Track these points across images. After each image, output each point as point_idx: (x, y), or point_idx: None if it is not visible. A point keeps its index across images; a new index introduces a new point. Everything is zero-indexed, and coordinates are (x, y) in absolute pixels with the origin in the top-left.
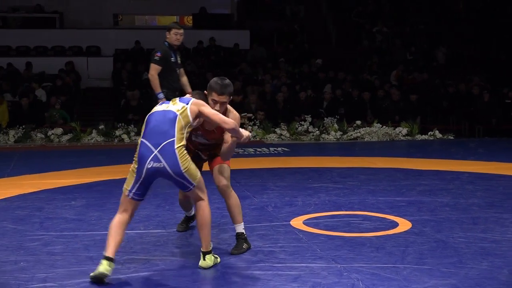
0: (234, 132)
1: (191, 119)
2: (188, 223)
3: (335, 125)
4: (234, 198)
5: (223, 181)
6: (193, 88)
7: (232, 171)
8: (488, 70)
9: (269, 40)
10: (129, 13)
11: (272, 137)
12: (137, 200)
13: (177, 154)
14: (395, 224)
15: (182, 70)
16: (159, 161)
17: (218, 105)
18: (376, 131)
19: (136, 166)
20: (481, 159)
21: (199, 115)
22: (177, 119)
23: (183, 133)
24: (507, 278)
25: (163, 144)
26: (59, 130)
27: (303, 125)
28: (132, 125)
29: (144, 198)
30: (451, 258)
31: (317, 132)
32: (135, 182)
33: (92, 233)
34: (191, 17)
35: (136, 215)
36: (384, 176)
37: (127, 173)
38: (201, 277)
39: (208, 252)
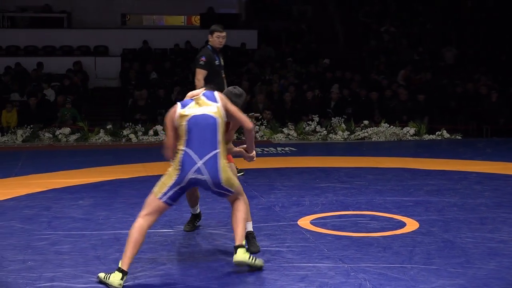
0: (250, 133)
1: (225, 117)
2: (195, 222)
3: (343, 125)
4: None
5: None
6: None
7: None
8: (496, 70)
9: (276, 40)
10: (136, 13)
11: (279, 137)
12: (169, 205)
13: (220, 168)
14: (402, 224)
15: (222, 71)
16: (202, 174)
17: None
18: (383, 131)
19: (177, 172)
20: (489, 159)
21: (226, 109)
22: (218, 124)
23: (222, 137)
24: None
25: (208, 158)
26: (67, 130)
27: (311, 125)
28: (140, 125)
29: (175, 204)
30: (459, 258)
31: (325, 132)
32: (173, 186)
33: (99, 232)
34: (198, 17)
35: None
36: (391, 176)
37: (134, 173)
38: (208, 277)
39: (242, 246)
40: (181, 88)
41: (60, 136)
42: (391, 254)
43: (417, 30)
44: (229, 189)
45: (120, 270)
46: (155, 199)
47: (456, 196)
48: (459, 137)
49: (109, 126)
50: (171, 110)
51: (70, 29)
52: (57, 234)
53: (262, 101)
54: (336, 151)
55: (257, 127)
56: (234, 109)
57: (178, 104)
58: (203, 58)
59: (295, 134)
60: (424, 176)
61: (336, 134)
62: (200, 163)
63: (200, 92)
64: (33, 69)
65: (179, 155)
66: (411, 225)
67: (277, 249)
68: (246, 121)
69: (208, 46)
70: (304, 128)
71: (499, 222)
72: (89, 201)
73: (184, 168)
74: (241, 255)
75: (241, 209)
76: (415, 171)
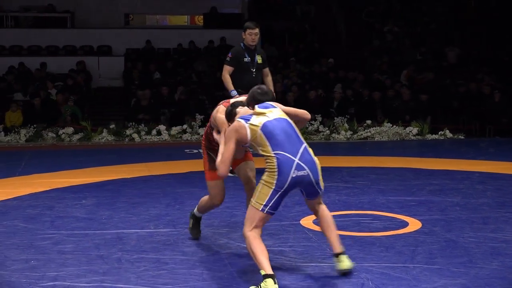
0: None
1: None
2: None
3: (345, 125)
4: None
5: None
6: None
7: None
8: (499, 70)
9: (280, 40)
10: (140, 13)
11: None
12: (271, 215)
13: (316, 162)
14: (405, 224)
15: (266, 70)
16: (303, 169)
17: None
18: (386, 131)
19: (275, 178)
20: (491, 159)
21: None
22: (291, 122)
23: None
24: None
25: (301, 152)
26: (70, 130)
27: (314, 125)
28: (143, 125)
29: (276, 212)
30: (461, 258)
31: (327, 131)
32: (274, 194)
33: (102, 231)
34: (202, 16)
35: (146, 215)
36: (394, 176)
37: (137, 173)
38: (210, 277)
39: (343, 253)
40: (185, 88)
41: (63, 136)
42: (393, 254)
43: (420, 30)
44: (321, 187)
45: (267, 275)
46: (256, 212)
47: (459, 196)
48: (462, 137)
49: (112, 126)
50: (236, 125)
51: (73, 29)
52: (60, 233)
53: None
54: (339, 151)
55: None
56: (287, 108)
57: (240, 119)
58: (230, 54)
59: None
60: (427, 176)
61: (339, 133)
62: (297, 159)
63: (235, 98)
64: (36, 69)
65: (272, 161)
66: (414, 224)
67: (280, 248)
68: (305, 112)
69: (242, 43)
70: (307, 128)
71: (502, 222)
72: (92, 201)
73: (282, 171)
74: (347, 263)
75: (328, 213)
76: (417, 170)
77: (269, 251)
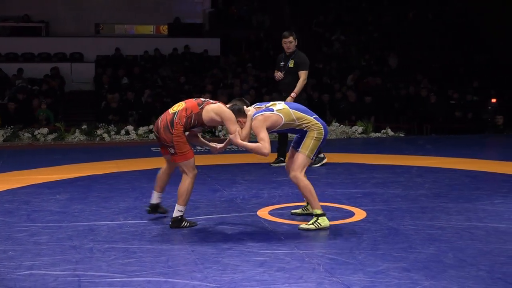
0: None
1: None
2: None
3: None
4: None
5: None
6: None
7: (204, 167)
8: (434, 74)
9: (238, 47)
10: (109, 23)
11: None
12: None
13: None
14: (351, 214)
15: (299, 72)
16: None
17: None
18: (334, 130)
19: (322, 136)
20: (428, 154)
21: None
22: None
23: None
24: (451, 261)
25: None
26: (45, 130)
27: None
28: (112, 125)
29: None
30: (402, 244)
31: None
32: (319, 146)
33: (75, 224)
34: (166, 26)
35: (116, 208)
36: (341, 170)
37: (107, 169)
38: (175, 264)
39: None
40: (151, 91)
41: (38, 136)
42: (341, 241)
43: (365, 39)
44: None
45: (318, 214)
46: (308, 160)
47: (400, 188)
48: (402, 135)
49: (84, 127)
50: (262, 117)
51: (47, 37)
52: (36, 226)
53: (225, 102)
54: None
55: (219, 126)
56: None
57: (261, 113)
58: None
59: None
60: (370, 170)
61: None
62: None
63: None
64: (13, 74)
65: (317, 123)
66: (359, 214)
67: (239, 237)
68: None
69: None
70: None
71: (438, 211)
72: (65, 196)
73: (325, 127)
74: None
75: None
76: (362, 165)
77: (229, 240)
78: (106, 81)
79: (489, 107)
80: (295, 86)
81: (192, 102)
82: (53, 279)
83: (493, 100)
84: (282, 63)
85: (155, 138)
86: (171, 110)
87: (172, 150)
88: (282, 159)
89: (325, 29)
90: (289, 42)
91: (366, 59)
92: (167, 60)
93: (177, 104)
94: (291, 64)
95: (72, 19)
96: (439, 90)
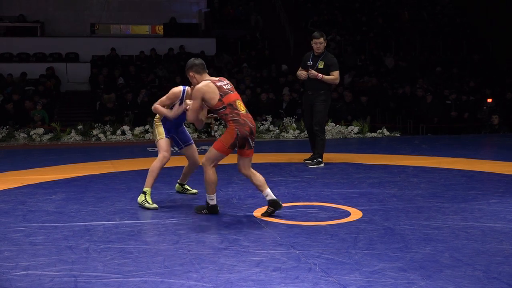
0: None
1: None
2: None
3: (294, 124)
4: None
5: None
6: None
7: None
8: (431, 74)
9: (233, 47)
10: (105, 23)
11: None
12: None
13: None
14: (347, 214)
15: (332, 73)
16: None
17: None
18: (330, 130)
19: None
20: (424, 154)
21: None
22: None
23: None
24: (448, 261)
25: None
26: (41, 130)
27: (264, 125)
28: (108, 125)
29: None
30: (398, 244)
31: (277, 130)
32: None
33: (71, 224)
34: (162, 26)
35: (112, 208)
36: (338, 170)
37: (103, 169)
38: (171, 264)
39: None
40: (147, 91)
41: (34, 136)
42: (337, 241)
43: (360, 39)
44: None
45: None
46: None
47: (396, 188)
48: (398, 135)
49: (80, 127)
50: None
51: (43, 37)
52: (32, 226)
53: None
54: (288, 148)
55: (216, 126)
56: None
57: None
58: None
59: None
60: (367, 170)
61: (287, 132)
62: None
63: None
64: (8, 74)
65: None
66: (356, 214)
67: (235, 237)
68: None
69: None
70: (259, 128)
71: (434, 211)
72: (61, 196)
73: None
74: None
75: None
76: (358, 165)
77: (225, 240)
78: (102, 81)
79: (485, 107)
80: (321, 86)
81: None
82: (49, 280)
83: (489, 100)
84: (309, 63)
85: (246, 139)
86: (245, 109)
87: (253, 145)
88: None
89: (321, 29)
90: (320, 43)
91: (362, 59)
92: (162, 60)
93: (238, 102)
94: (320, 65)
95: (67, 19)
96: (435, 90)
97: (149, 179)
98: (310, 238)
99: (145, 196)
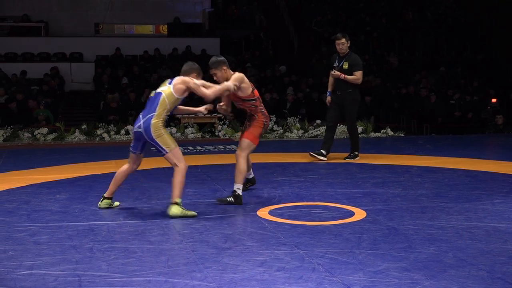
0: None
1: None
2: (246, 185)
3: (297, 124)
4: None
5: (237, 150)
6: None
7: (204, 167)
8: (435, 73)
9: (237, 47)
10: (109, 23)
11: (240, 136)
12: None
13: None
14: (351, 213)
15: (355, 73)
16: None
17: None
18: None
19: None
20: (428, 154)
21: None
22: (164, 95)
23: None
24: (452, 261)
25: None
26: (45, 130)
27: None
28: (112, 125)
29: None
30: (402, 244)
31: (281, 130)
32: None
33: (75, 223)
34: (166, 26)
35: (116, 208)
36: (341, 170)
37: (107, 169)
38: (175, 263)
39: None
40: (151, 90)
41: (38, 136)
42: (341, 241)
43: (364, 38)
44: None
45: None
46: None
47: (399, 188)
48: (402, 135)
49: (84, 126)
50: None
51: (47, 37)
52: (36, 225)
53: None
54: (292, 148)
55: (220, 126)
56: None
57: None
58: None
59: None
60: (370, 170)
61: (291, 132)
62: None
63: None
64: (12, 74)
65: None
66: (359, 214)
67: (239, 237)
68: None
69: None
70: None
71: (438, 211)
72: (65, 195)
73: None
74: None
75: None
76: (362, 165)
77: (229, 239)
78: (106, 81)
79: (489, 107)
80: (348, 86)
81: None
82: (53, 279)
83: (493, 100)
84: (335, 64)
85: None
86: None
87: None
88: (356, 153)
89: (324, 29)
90: (342, 44)
91: (366, 59)
92: (166, 60)
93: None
94: (345, 65)
95: (71, 19)
96: (439, 90)
97: (177, 191)
98: (314, 238)
99: (181, 207)
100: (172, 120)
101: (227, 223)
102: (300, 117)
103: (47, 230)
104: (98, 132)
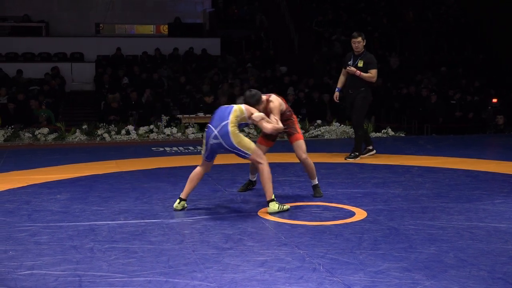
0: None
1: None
2: (248, 186)
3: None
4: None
5: (299, 153)
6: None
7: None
8: (436, 74)
9: (237, 47)
10: (109, 23)
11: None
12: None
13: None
14: (352, 214)
15: (370, 71)
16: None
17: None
18: (335, 130)
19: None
20: (429, 154)
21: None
22: (232, 112)
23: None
24: (452, 261)
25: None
26: (46, 130)
27: None
28: (113, 125)
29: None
30: (403, 244)
31: None
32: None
33: (76, 224)
34: (166, 26)
35: (116, 208)
36: (342, 170)
37: (108, 169)
38: (176, 264)
39: (271, 200)
40: (152, 91)
41: (39, 136)
42: (342, 241)
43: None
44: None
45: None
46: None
47: (400, 188)
48: (403, 135)
49: (84, 126)
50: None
51: (48, 37)
52: (37, 226)
53: (225, 103)
54: (292, 148)
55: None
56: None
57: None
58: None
59: (255, 133)
60: (371, 170)
61: None
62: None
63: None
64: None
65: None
66: (360, 214)
67: (239, 237)
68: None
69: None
70: None
71: (438, 211)
72: (66, 196)
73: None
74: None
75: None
76: (363, 165)
77: (229, 240)
78: (106, 81)
79: (490, 107)
80: (361, 84)
81: None
82: (54, 279)
83: (494, 100)
84: (349, 62)
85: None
86: None
87: None
88: (371, 148)
89: (325, 29)
90: (358, 42)
91: None
92: (167, 60)
93: None
94: (360, 63)
95: (72, 19)
96: (439, 90)
97: (269, 188)
98: (314, 238)
99: (276, 202)
100: (172, 120)
101: (228, 223)
102: (300, 117)
103: (48, 230)
104: (99, 132)
